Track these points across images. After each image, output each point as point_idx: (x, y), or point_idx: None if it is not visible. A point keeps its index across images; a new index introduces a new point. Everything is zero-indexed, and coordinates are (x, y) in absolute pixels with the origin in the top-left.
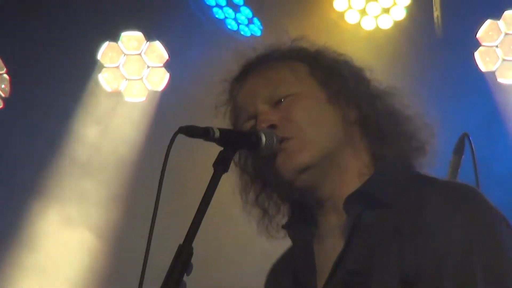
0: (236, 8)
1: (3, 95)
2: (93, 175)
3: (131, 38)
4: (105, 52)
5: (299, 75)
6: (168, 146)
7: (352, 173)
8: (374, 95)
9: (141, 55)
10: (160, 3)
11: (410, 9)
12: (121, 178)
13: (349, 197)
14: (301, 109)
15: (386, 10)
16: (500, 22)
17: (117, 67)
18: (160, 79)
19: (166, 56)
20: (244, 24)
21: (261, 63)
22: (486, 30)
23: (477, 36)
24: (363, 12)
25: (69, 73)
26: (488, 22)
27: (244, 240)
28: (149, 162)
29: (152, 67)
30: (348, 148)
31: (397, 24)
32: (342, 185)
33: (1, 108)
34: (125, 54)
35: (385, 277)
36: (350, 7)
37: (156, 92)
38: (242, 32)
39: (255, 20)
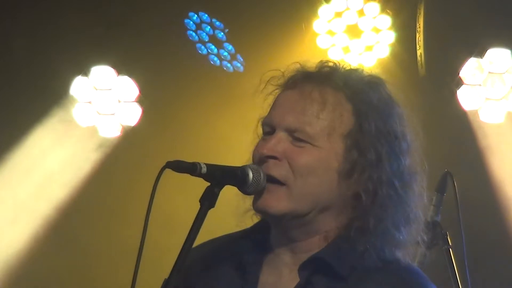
0: (219, 44)
1: None
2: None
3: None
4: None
5: (336, 129)
6: (155, 181)
7: (322, 233)
8: (390, 188)
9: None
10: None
11: (394, 47)
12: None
13: (305, 262)
14: (306, 163)
15: (369, 48)
16: (483, 61)
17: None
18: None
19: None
20: (227, 60)
21: (311, 79)
22: (469, 69)
23: (459, 74)
24: (346, 49)
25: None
26: (471, 60)
27: None
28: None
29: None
30: (328, 213)
31: (380, 62)
32: (308, 242)
33: None
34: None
35: None
36: (333, 45)
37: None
38: (224, 68)
39: (238, 56)
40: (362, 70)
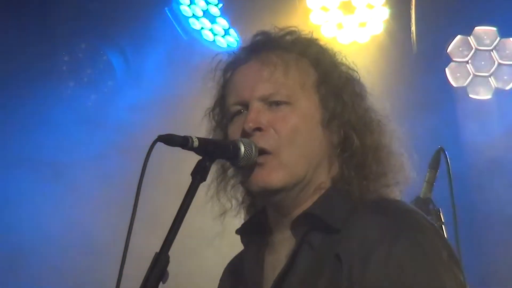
0: (212, 19)
1: None
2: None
3: None
4: None
5: (306, 82)
6: (147, 154)
7: (314, 188)
8: (366, 127)
9: None
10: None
11: (388, 24)
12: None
13: (297, 218)
14: (291, 126)
15: (363, 24)
16: (471, 38)
17: None
18: None
19: None
20: (220, 35)
21: (267, 47)
22: (457, 46)
23: (447, 51)
24: (340, 25)
25: None
26: (458, 37)
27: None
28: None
29: None
30: (321, 167)
31: (374, 39)
32: (301, 201)
33: None
34: None
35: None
36: (326, 21)
37: None
38: (218, 43)
39: (232, 31)
40: (296, 31)
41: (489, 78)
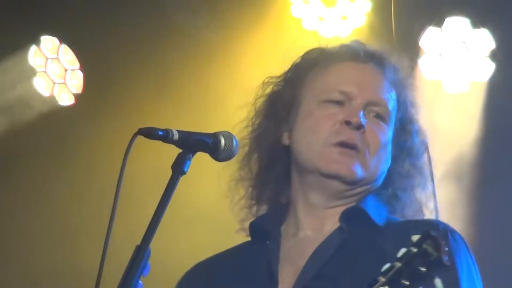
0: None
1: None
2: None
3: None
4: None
5: (395, 108)
6: (127, 148)
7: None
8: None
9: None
10: None
11: (369, 17)
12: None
13: (347, 210)
14: (383, 141)
15: (345, 17)
16: (442, 30)
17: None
18: None
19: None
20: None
21: (388, 62)
22: (428, 38)
23: (419, 44)
24: (321, 18)
25: None
26: (430, 29)
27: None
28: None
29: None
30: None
31: (356, 32)
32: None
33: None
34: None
35: (353, 282)
36: (307, 14)
37: None
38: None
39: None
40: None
41: (464, 71)
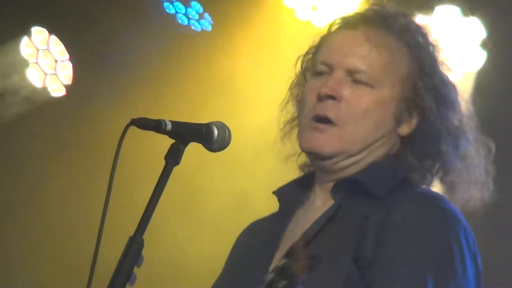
0: (186, 3)
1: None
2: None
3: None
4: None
5: (395, 73)
6: (120, 138)
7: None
8: (440, 133)
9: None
10: None
11: (363, 6)
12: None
13: (339, 182)
14: (364, 107)
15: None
16: (431, 18)
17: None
18: None
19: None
20: (195, 19)
21: (377, 23)
22: None
23: None
24: (314, 8)
25: None
26: (419, 18)
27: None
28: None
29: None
30: (379, 143)
31: None
32: (350, 170)
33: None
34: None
35: (337, 258)
36: (301, 4)
37: None
38: (192, 27)
39: (206, 15)
40: (405, 14)
41: (455, 61)
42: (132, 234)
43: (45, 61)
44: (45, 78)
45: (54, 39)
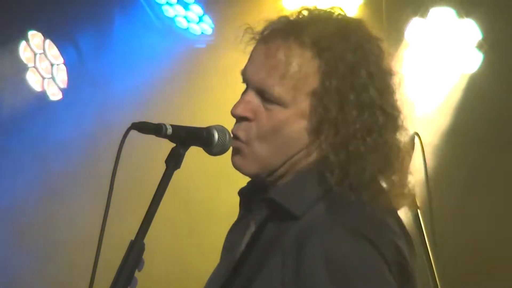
0: (186, 6)
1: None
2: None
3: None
4: None
5: (303, 87)
6: (121, 142)
7: (293, 172)
8: (360, 137)
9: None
10: None
11: (362, 9)
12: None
13: (261, 201)
14: (273, 125)
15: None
16: (427, 20)
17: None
18: None
19: None
20: (195, 22)
21: (282, 32)
22: (414, 29)
23: (405, 35)
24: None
25: None
26: (415, 20)
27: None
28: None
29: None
30: (301, 154)
31: None
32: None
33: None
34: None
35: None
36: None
37: None
38: (192, 31)
39: (206, 17)
40: (335, 15)
41: (451, 63)
42: (133, 238)
43: (42, 65)
44: (42, 82)
45: (49, 42)
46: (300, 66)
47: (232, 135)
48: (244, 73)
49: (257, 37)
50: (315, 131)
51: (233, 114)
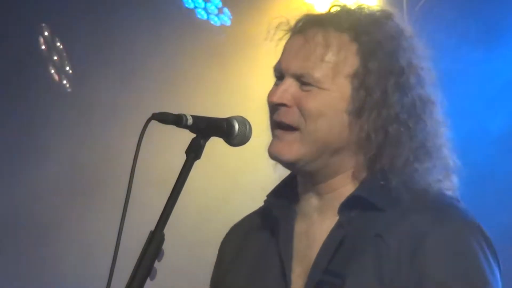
0: None
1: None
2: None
3: None
4: None
5: (342, 70)
6: (141, 132)
7: (343, 173)
8: (396, 120)
9: None
10: None
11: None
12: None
13: (345, 202)
14: (318, 110)
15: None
16: None
17: None
18: None
19: None
20: (214, 14)
21: (320, 23)
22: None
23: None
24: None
25: None
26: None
27: None
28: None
29: None
30: (344, 153)
31: None
32: (330, 183)
33: None
34: None
35: (361, 279)
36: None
37: None
38: (212, 22)
39: (225, 9)
40: (368, 7)
41: None
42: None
43: (54, 58)
44: (57, 75)
45: (60, 37)
46: (339, 48)
47: (275, 123)
48: (278, 64)
49: (288, 34)
50: (356, 113)
51: (269, 101)
